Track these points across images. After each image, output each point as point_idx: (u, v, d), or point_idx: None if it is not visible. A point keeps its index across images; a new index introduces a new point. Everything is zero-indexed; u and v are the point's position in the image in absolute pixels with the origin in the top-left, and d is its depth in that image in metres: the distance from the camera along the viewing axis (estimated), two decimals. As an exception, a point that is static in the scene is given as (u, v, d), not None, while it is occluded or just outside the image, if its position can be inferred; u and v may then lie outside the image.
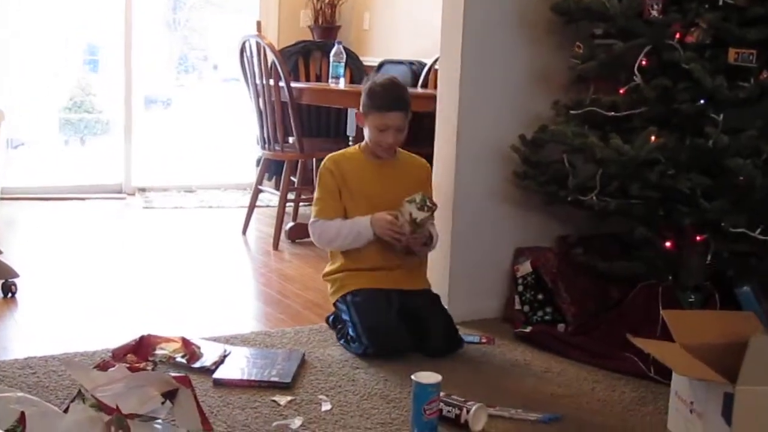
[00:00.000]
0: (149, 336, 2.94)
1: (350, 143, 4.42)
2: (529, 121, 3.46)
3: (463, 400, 2.52)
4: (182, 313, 3.56)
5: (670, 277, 3.14)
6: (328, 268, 3.30)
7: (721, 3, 2.89)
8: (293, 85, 4.81)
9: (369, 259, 3.18)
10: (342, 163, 3.23)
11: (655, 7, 2.99)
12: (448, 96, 3.48)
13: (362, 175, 3.21)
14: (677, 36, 2.96)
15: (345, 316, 3.13)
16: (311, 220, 3.23)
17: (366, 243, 3.16)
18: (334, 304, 3.23)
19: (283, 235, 4.92)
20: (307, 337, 3.23)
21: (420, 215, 3.05)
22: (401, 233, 3.08)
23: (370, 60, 6.30)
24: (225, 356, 2.92)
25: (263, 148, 5.00)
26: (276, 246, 4.81)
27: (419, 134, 5.16)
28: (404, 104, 3.16)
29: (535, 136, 3.38)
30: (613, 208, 3.10)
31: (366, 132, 3.21)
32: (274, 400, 2.61)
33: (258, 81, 4.83)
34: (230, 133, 7.42)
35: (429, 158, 3.50)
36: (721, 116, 2.85)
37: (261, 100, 4.88)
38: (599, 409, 2.68)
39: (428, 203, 3.07)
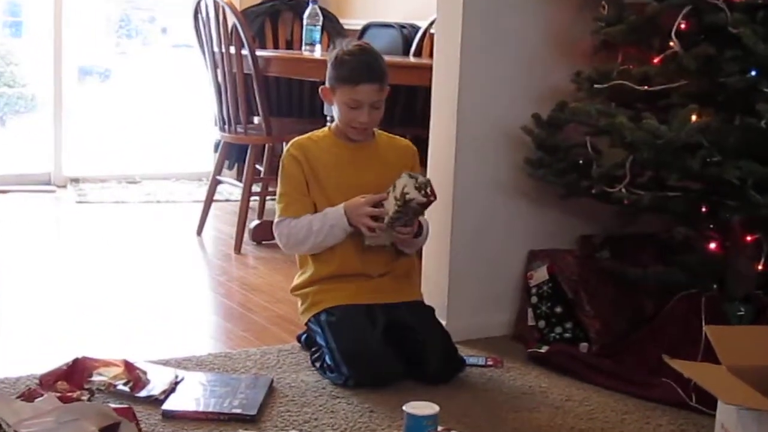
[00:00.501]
0: (84, 359, 2.93)
1: (327, 124, 4.42)
2: (544, 97, 3.47)
3: (465, 435, 2.53)
4: (124, 331, 3.56)
5: (715, 286, 3.15)
6: (296, 280, 3.29)
7: (776, -46, 2.91)
8: (258, 53, 4.82)
9: (346, 264, 3.18)
10: (309, 149, 3.23)
11: (697, -42, 3.01)
12: (446, 66, 3.48)
13: (334, 163, 3.21)
14: (723, -7, 2.98)
15: (320, 340, 3.13)
16: (276, 219, 3.22)
17: (342, 237, 3.15)
18: (306, 324, 3.24)
19: (246, 236, 4.92)
20: (276, 359, 3.23)
21: (416, 196, 2.99)
22: (380, 216, 3.07)
23: (352, 23, 6.30)
24: (176, 383, 2.91)
25: (222, 130, 5.00)
26: (238, 249, 4.82)
27: (410, 113, 5.19)
28: (379, 74, 3.15)
29: (551, 115, 3.39)
30: (646, 202, 3.11)
31: (335, 110, 3.21)
32: (236, 437, 2.61)
33: (216, 48, 4.83)
34: (182, 112, 7.41)
35: (423, 142, 3.51)
36: (777, 91, 2.87)
37: (219, 71, 4.88)
38: (629, 446, 2.70)
39: (430, 188, 3.03)
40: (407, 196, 2.99)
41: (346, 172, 3.20)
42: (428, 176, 3.39)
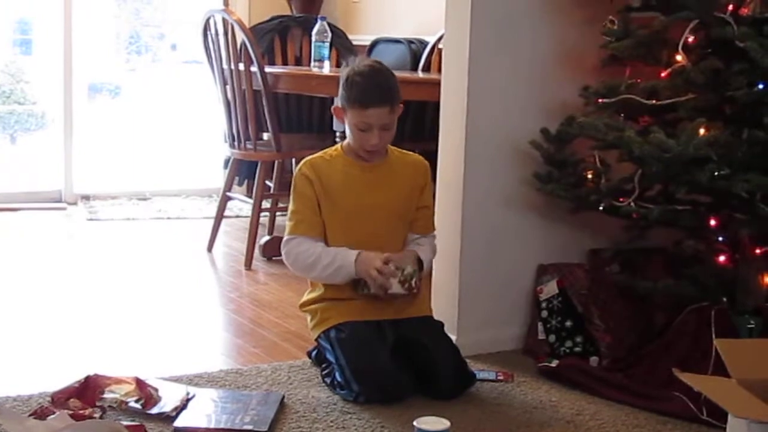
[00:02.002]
0: (96, 376, 2.95)
1: (337, 140, 4.44)
2: (553, 111, 3.48)
3: (475, 450, 2.54)
4: (136, 348, 3.57)
5: (725, 299, 3.15)
6: (306, 296, 3.30)
7: (782, -33, 2.93)
8: (267, 69, 4.83)
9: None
10: (321, 168, 3.21)
11: (703, -28, 3.03)
12: (454, 82, 3.50)
13: (346, 183, 3.20)
14: (729, 8, 2.99)
15: (330, 357, 3.14)
16: (286, 237, 3.21)
17: (345, 281, 3.15)
18: (316, 340, 3.25)
19: (257, 252, 4.93)
20: (287, 375, 3.24)
21: (397, 290, 3.07)
22: (384, 285, 3.08)
23: (360, 38, 6.32)
24: (188, 400, 2.92)
25: (232, 146, 5.02)
26: (248, 265, 4.83)
27: (420, 128, 5.20)
28: (389, 96, 3.13)
29: (560, 129, 3.40)
30: (655, 216, 3.12)
31: (347, 130, 3.20)
32: (247, 453, 2.62)
33: (225, 65, 4.85)
34: (192, 129, 7.42)
35: (432, 157, 3.52)
36: (785, 104, 2.88)
37: (229, 88, 4.90)
38: (640, 460, 2.70)
39: (413, 283, 3.08)
40: (389, 290, 3.06)
41: (359, 192, 3.19)
42: (438, 190, 3.41)
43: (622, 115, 3.28)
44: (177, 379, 3.11)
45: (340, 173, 3.20)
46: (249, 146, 4.90)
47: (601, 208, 3.28)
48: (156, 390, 2.94)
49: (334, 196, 3.18)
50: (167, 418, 2.80)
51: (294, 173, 3.26)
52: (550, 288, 3.52)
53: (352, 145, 3.20)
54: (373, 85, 3.11)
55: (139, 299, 4.25)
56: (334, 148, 3.32)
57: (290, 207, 3.24)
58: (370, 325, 3.13)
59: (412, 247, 3.24)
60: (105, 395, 2.87)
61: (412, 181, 3.25)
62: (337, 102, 3.20)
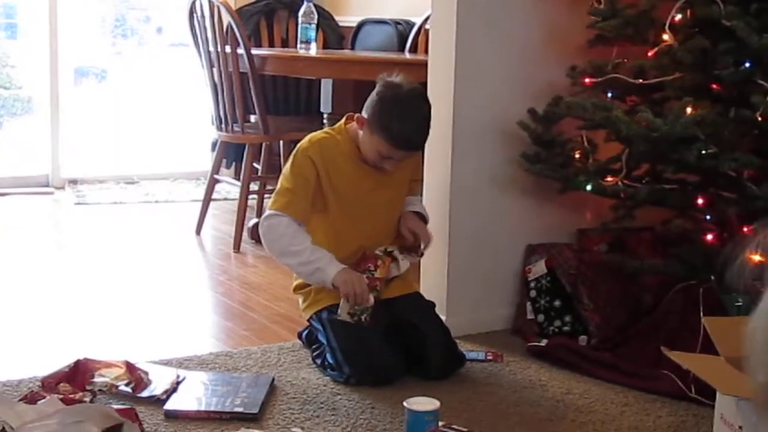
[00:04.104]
0: (86, 360, 2.94)
1: (324, 122, 4.43)
2: (540, 91, 3.48)
3: (466, 429, 2.54)
4: (126, 332, 3.57)
5: (713, 278, 3.16)
6: (297, 280, 3.28)
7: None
8: (254, 52, 4.82)
9: (345, 263, 3.14)
10: (329, 153, 3.13)
11: (689, -49, 3.03)
12: (441, 63, 3.49)
13: (353, 174, 3.15)
14: (716, -13, 2.99)
15: (321, 338, 3.14)
16: (272, 211, 3.10)
17: (316, 284, 3.14)
18: (308, 321, 3.25)
19: (245, 234, 4.93)
20: (277, 357, 3.25)
21: (344, 317, 3.07)
22: (361, 302, 3.07)
23: (347, 20, 6.31)
24: (178, 383, 2.93)
25: (219, 129, 5.01)
26: (237, 247, 4.83)
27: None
28: (423, 144, 3.15)
29: (547, 109, 3.40)
30: (642, 195, 3.13)
31: (361, 137, 3.10)
32: (238, 435, 2.63)
33: (211, 48, 4.84)
34: (179, 112, 7.40)
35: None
36: (771, 82, 2.88)
37: (215, 70, 4.88)
38: (630, 438, 2.71)
39: (366, 316, 3.08)
40: (338, 317, 3.08)
41: (365, 187, 3.17)
42: (425, 172, 3.41)
43: (610, 94, 3.28)
44: (167, 363, 3.11)
45: (348, 164, 3.15)
46: (236, 129, 4.89)
47: (588, 187, 3.29)
48: (146, 373, 2.94)
49: (336, 182, 3.14)
50: (157, 401, 2.80)
51: (297, 148, 3.15)
52: (539, 268, 3.53)
53: (364, 154, 3.11)
54: (415, 131, 3.05)
55: (128, 283, 4.24)
56: (337, 129, 3.22)
57: (283, 182, 3.13)
58: (363, 306, 3.13)
59: (409, 209, 3.27)
60: (95, 379, 2.87)
61: (408, 165, 3.25)
62: (365, 113, 3.06)
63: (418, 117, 3.04)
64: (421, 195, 3.42)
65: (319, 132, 3.26)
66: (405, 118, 3.00)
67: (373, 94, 3.07)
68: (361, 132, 3.10)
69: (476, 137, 3.48)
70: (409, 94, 3.05)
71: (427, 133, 3.09)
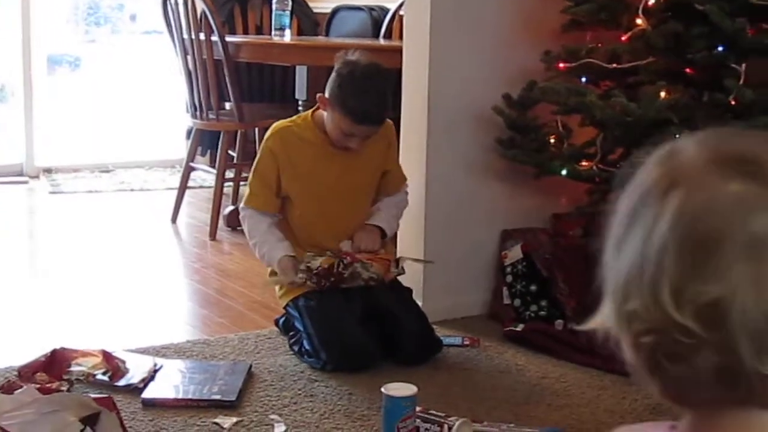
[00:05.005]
0: (63, 350, 2.94)
1: (300, 108, 4.43)
2: (514, 77, 3.48)
3: (443, 415, 2.55)
4: (102, 320, 3.56)
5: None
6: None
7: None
8: (228, 39, 4.81)
9: (321, 247, 3.17)
10: (290, 141, 3.19)
11: (662, -65, 3.03)
12: (415, 48, 3.49)
13: (317, 163, 3.19)
14: (689, -29, 3.00)
15: (298, 325, 3.15)
16: (241, 204, 3.29)
17: (266, 264, 3.25)
18: (285, 308, 3.25)
19: (221, 222, 4.92)
20: (254, 344, 3.25)
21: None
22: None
23: (321, 6, 6.30)
24: (155, 371, 2.93)
25: (194, 116, 5.00)
26: (213, 235, 4.82)
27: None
28: (383, 117, 3.14)
29: (522, 95, 3.40)
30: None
31: (326, 117, 3.14)
32: (216, 423, 2.62)
33: (185, 35, 4.82)
34: (154, 100, 7.37)
35: (394, 125, 3.52)
36: (744, 66, 2.89)
37: (190, 58, 4.87)
38: (606, 420, 2.72)
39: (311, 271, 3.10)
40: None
41: (331, 173, 3.20)
42: (401, 158, 3.41)
43: (584, 79, 3.29)
44: (144, 351, 3.11)
45: (309, 151, 3.19)
46: (211, 116, 4.88)
47: (564, 172, 3.30)
48: (123, 362, 2.94)
49: (300, 169, 3.18)
50: (135, 389, 2.80)
51: (263, 140, 3.26)
52: (515, 253, 3.54)
53: (329, 134, 3.14)
54: (373, 105, 3.07)
55: (104, 272, 4.23)
56: (302, 116, 3.30)
57: (250, 175, 3.26)
58: (338, 292, 3.13)
59: (370, 219, 3.28)
60: (72, 368, 2.87)
61: (378, 147, 3.26)
62: (327, 94, 3.10)
63: (375, 91, 3.07)
64: (403, 181, 3.40)
65: (282, 121, 3.30)
66: (362, 92, 3.04)
67: (333, 72, 3.12)
68: (325, 113, 3.13)
69: (451, 123, 3.49)
70: (366, 69, 3.08)
71: (386, 106, 3.13)
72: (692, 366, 0.89)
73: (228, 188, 5.12)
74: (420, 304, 3.32)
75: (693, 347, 0.88)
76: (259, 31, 5.99)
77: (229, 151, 5.04)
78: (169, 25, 4.96)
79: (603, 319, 1.03)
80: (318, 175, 3.19)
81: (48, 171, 6.44)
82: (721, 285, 0.86)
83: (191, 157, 5.18)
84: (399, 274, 3.22)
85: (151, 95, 7.39)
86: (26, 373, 2.82)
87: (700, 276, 0.87)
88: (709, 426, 0.95)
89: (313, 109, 3.25)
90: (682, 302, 0.87)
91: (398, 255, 3.28)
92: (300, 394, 2.84)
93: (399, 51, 3.60)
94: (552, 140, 3.37)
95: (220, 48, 4.69)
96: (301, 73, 4.70)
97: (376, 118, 3.11)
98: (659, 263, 0.90)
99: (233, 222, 4.95)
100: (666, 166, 0.95)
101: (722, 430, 0.94)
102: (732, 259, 0.86)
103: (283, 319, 3.32)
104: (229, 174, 5.10)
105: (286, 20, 5.24)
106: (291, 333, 3.21)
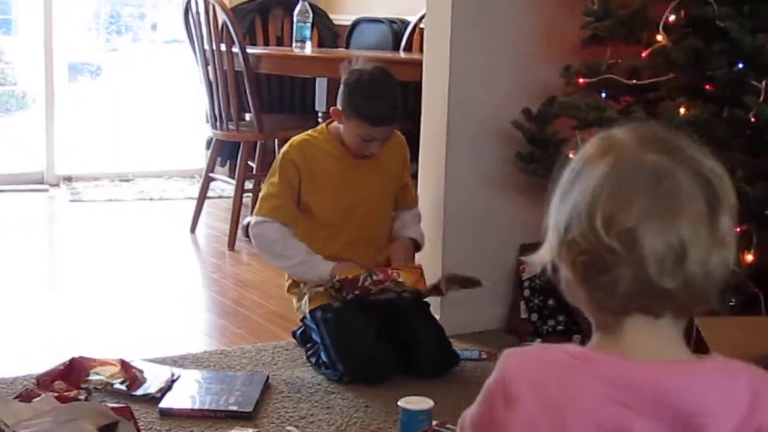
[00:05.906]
0: (81, 358, 2.96)
1: (319, 120, 4.44)
2: (534, 91, 3.49)
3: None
4: (120, 329, 3.58)
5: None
6: (290, 279, 3.31)
7: (761, -55, 2.93)
8: (249, 50, 4.83)
9: (340, 260, 3.18)
10: (309, 153, 3.21)
11: (683, -48, 3.03)
12: (436, 62, 3.50)
13: (336, 171, 3.21)
14: (709, -13, 3.00)
15: (315, 336, 3.16)
16: (259, 218, 3.21)
17: (311, 281, 3.20)
18: (302, 321, 3.26)
19: (239, 233, 4.93)
20: (271, 356, 3.26)
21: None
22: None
23: (341, 18, 6.31)
24: (173, 381, 2.94)
25: (214, 127, 5.02)
26: (232, 246, 4.83)
27: (402, 108, 5.19)
28: (399, 114, 3.15)
29: (541, 109, 3.41)
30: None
31: (342, 129, 3.17)
32: (232, 434, 2.64)
33: (206, 46, 4.84)
34: (174, 109, 7.39)
35: (413, 138, 3.53)
36: (764, 83, 2.89)
37: (210, 68, 4.89)
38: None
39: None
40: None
41: (351, 182, 3.22)
42: (420, 171, 3.43)
43: (604, 94, 3.29)
44: (161, 361, 3.12)
45: (330, 163, 3.21)
46: (231, 127, 4.90)
47: (583, 187, 3.29)
48: (141, 372, 2.95)
49: (319, 180, 3.19)
50: (152, 399, 2.81)
51: (280, 153, 3.26)
52: (533, 267, 3.54)
53: (348, 146, 3.18)
54: (387, 105, 3.11)
55: (123, 281, 4.25)
56: (318, 129, 3.31)
57: (268, 187, 3.22)
58: (356, 305, 3.12)
59: (403, 233, 3.32)
60: (90, 377, 2.89)
61: (395, 159, 3.29)
62: (339, 106, 3.14)
63: (385, 92, 3.11)
64: (416, 198, 3.43)
65: (300, 135, 3.31)
66: (373, 96, 3.09)
67: (341, 84, 3.15)
68: (341, 126, 3.16)
69: (471, 136, 3.49)
70: (372, 74, 3.13)
71: (398, 106, 3.15)
72: (614, 276, 1.23)
73: (247, 198, 5.14)
74: (437, 317, 3.32)
75: (615, 263, 1.22)
76: (279, 42, 6.01)
77: (249, 162, 5.06)
78: (190, 35, 4.98)
79: (542, 255, 1.42)
80: (338, 184, 3.21)
81: (68, 179, 6.47)
82: (635, 218, 1.21)
83: (211, 167, 5.20)
84: (439, 295, 3.22)
85: (171, 105, 7.41)
86: (44, 381, 2.83)
87: (622, 210, 1.22)
88: (617, 330, 1.28)
89: (327, 122, 3.28)
90: (609, 229, 1.22)
91: (447, 273, 3.27)
92: (317, 405, 2.84)
93: (419, 64, 3.61)
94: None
95: (241, 59, 4.71)
96: (321, 85, 4.71)
97: (392, 117, 3.13)
98: (595, 201, 1.25)
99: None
100: (604, 141, 1.33)
101: (627, 331, 1.27)
102: (644, 204, 1.22)
103: (300, 330, 3.32)
104: (249, 184, 5.11)
105: (307, 32, 5.26)
106: (308, 345, 3.22)
